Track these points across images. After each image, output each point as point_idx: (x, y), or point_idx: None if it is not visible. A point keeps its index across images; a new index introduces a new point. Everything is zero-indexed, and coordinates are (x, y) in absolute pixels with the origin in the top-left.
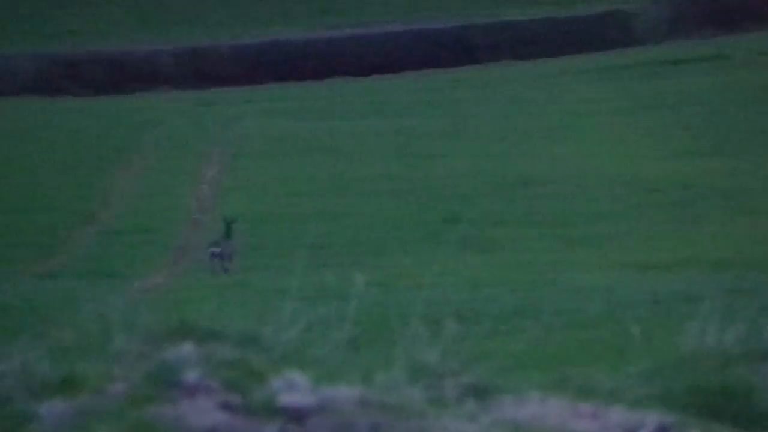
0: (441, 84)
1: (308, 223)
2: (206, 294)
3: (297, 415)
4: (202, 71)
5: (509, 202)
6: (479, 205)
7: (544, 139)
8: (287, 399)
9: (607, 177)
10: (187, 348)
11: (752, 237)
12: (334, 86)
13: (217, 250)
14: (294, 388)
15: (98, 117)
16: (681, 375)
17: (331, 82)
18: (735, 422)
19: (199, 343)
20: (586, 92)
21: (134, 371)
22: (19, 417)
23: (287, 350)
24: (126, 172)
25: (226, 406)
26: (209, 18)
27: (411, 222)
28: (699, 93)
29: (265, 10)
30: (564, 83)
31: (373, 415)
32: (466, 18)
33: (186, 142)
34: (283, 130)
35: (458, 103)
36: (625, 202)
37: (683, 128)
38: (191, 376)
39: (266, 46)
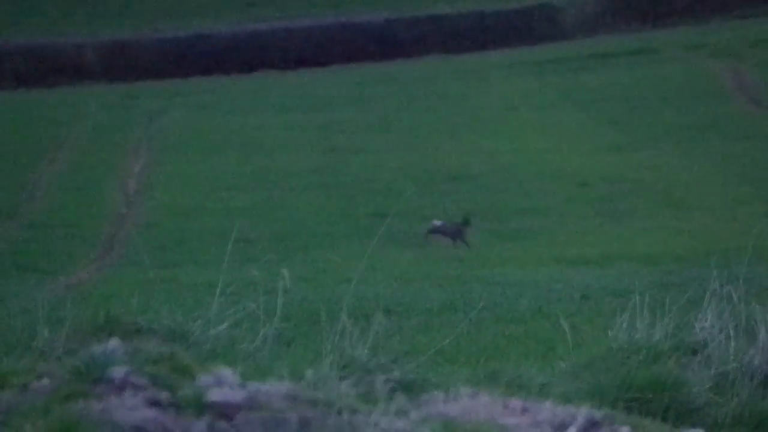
0: (369, 78)
1: (235, 218)
2: (133, 289)
3: (225, 411)
4: (128, 64)
5: (438, 196)
6: (408, 199)
7: (473, 133)
8: (216, 395)
9: (536, 171)
10: (114, 343)
11: (680, 231)
12: (261, 80)
13: (438, 223)
14: (222, 383)
15: (22, 110)
16: (611, 369)
17: (257, 76)
18: (664, 417)
19: (126, 339)
20: (514, 86)
21: (60, 367)
22: None
23: (215, 345)
24: (51, 166)
25: (153, 402)
26: (134, 10)
27: (339, 217)
28: (626, 87)
29: (192, 3)
30: (492, 77)
31: (303, 410)
32: (393, 11)
33: (112, 135)
34: (210, 124)
35: (386, 97)
36: (554, 197)
37: (611, 122)
38: (118, 371)
39: (192, 39)
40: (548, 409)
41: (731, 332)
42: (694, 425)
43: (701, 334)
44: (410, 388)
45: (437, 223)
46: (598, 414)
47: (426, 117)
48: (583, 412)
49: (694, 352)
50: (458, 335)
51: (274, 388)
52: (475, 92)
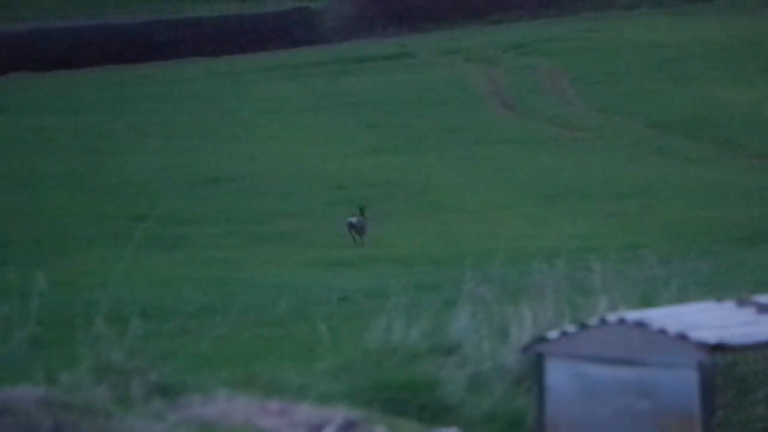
0: (126, 80)
1: None
2: None
3: None
4: None
5: (197, 199)
6: (166, 202)
7: (232, 136)
8: None
9: (294, 175)
10: None
11: (437, 233)
12: (16, 81)
13: (354, 219)
14: None
15: None
16: (368, 371)
17: (11, 77)
18: (420, 416)
19: None
20: (272, 90)
21: None
22: None
23: None
24: None
25: None
26: None
27: (96, 220)
28: (384, 91)
29: None
30: (250, 80)
31: (57, 414)
32: (150, 14)
33: None
34: None
35: (144, 100)
36: (312, 200)
37: (369, 126)
38: None
39: None
40: (306, 411)
41: (485, 332)
42: (448, 424)
43: (456, 334)
44: (167, 392)
45: (353, 219)
46: (354, 415)
47: (184, 120)
48: (340, 413)
49: (449, 353)
50: (216, 338)
51: (28, 392)
52: (234, 95)
